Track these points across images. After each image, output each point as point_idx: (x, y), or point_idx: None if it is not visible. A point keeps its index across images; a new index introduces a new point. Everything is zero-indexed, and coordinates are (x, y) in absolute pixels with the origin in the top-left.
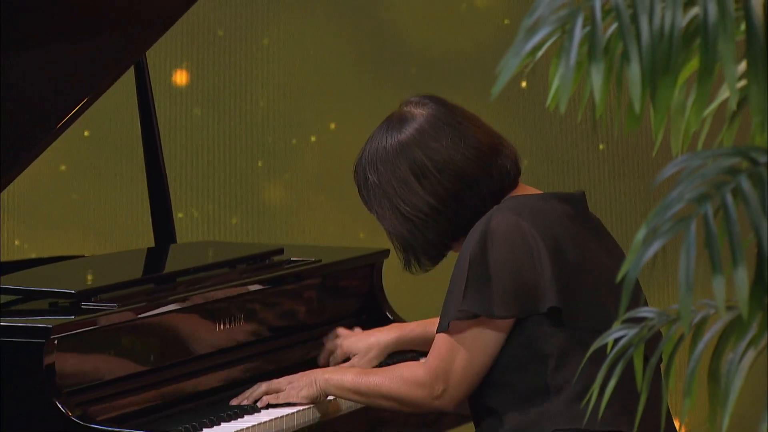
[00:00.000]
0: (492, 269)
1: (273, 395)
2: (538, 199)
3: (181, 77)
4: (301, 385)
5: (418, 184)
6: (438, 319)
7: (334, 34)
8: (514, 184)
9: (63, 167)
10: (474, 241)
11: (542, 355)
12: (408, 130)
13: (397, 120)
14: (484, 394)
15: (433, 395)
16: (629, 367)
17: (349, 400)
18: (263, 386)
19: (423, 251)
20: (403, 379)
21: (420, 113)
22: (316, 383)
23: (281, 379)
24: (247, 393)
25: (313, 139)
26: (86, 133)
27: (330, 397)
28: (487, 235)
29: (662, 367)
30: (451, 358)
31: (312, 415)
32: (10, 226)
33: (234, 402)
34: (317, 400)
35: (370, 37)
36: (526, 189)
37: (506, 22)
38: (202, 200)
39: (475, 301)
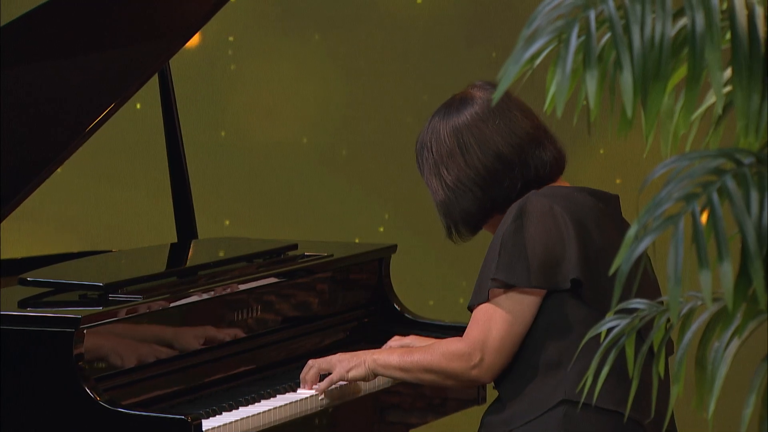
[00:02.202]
0: (525, 243)
1: (327, 381)
2: (572, 190)
3: None
4: (349, 366)
5: (462, 158)
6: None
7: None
8: (551, 179)
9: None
10: (508, 220)
11: (562, 330)
12: (465, 112)
13: (458, 101)
14: (507, 368)
15: (471, 365)
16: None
17: (395, 378)
18: (315, 366)
19: (461, 219)
20: (442, 352)
21: (479, 96)
22: (365, 364)
23: (332, 358)
24: (303, 374)
25: None
26: None
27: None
28: (521, 214)
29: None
30: (488, 327)
31: (325, 400)
32: None
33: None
34: (366, 380)
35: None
36: (564, 184)
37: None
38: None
39: (509, 271)
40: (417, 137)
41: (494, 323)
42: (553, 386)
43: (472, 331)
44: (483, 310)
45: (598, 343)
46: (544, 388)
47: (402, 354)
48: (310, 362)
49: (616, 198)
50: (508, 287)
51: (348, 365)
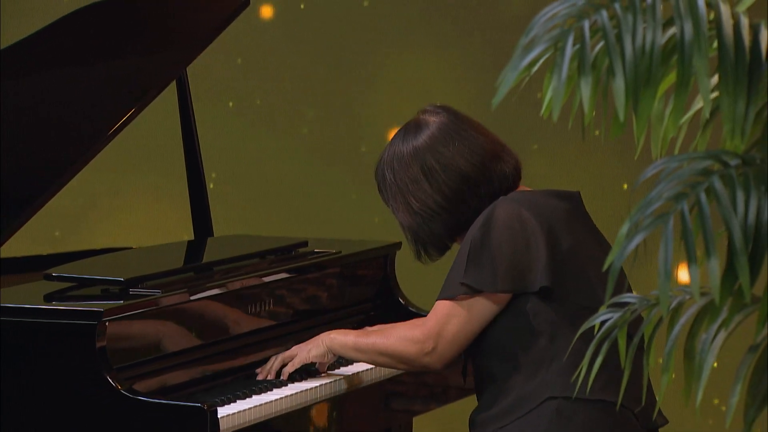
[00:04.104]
0: (492, 248)
1: (290, 364)
2: (538, 195)
3: None
4: (309, 347)
5: (427, 183)
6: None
7: None
8: (513, 188)
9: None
10: (478, 225)
11: (537, 330)
12: (422, 137)
13: (413, 127)
14: (489, 367)
15: (423, 352)
16: (615, 345)
17: (351, 358)
18: (279, 358)
19: (430, 242)
20: (398, 337)
21: (433, 120)
22: (322, 343)
23: (292, 349)
24: (268, 366)
25: None
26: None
27: (345, 369)
28: (490, 220)
29: (644, 346)
30: (446, 321)
31: (332, 388)
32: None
33: (260, 377)
34: (325, 358)
35: None
36: (525, 189)
37: None
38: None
39: (476, 275)
40: (375, 166)
41: (452, 318)
42: (536, 383)
43: (430, 321)
44: (444, 304)
45: (579, 340)
46: (527, 385)
47: (358, 335)
48: (273, 357)
49: (578, 194)
50: (475, 292)
51: (306, 347)
